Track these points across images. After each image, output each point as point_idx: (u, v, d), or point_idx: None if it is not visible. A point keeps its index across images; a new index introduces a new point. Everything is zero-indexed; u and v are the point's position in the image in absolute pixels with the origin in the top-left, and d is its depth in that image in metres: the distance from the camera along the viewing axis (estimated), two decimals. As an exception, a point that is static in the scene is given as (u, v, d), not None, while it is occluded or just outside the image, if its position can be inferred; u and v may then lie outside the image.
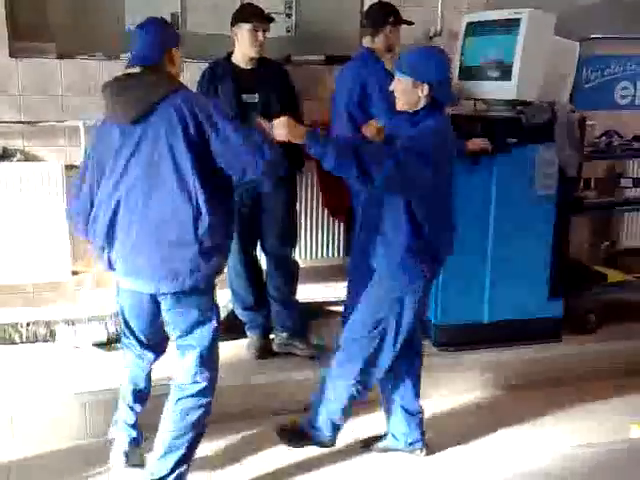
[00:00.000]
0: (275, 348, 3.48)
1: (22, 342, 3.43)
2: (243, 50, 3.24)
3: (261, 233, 3.41)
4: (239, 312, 3.51)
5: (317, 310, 3.84)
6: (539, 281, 3.49)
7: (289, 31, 3.94)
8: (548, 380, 3.50)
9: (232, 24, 3.25)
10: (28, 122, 3.41)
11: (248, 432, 3.05)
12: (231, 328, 3.50)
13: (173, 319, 2.47)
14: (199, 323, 2.47)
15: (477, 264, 3.37)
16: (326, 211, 3.91)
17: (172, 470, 2.48)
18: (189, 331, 2.48)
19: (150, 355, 2.64)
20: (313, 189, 3.83)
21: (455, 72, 3.65)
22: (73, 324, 3.48)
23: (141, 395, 2.70)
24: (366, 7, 3.75)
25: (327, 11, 3.95)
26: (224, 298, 3.62)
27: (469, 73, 3.50)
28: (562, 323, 3.60)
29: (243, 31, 3.20)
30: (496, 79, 3.32)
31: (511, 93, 3.27)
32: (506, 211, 3.34)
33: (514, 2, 3.56)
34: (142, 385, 2.68)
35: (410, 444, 2.89)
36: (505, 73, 3.28)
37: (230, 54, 3.30)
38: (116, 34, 3.63)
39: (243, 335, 3.52)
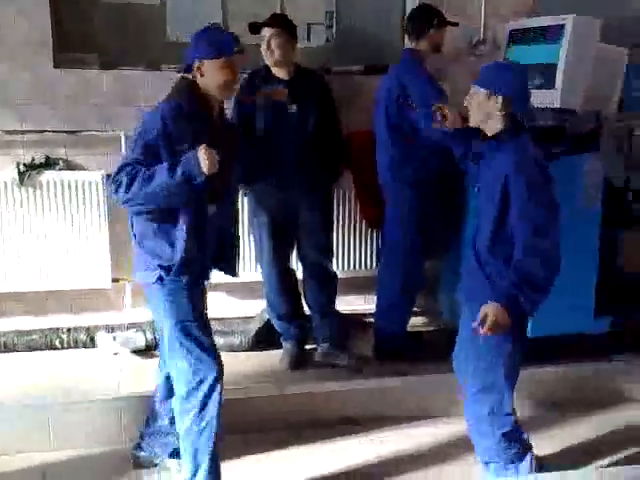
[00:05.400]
0: (317, 359, 3.45)
1: (63, 348, 3.49)
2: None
3: (298, 245, 3.40)
4: (274, 322, 3.50)
5: (355, 321, 3.80)
6: (585, 297, 3.35)
7: (329, 40, 3.92)
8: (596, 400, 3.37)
9: None
10: (71, 131, 3.47)
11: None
12: (266, 338, 3.52)
13: None
14: None
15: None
16: (360, 222, 3.82)
17: None
18: None
19: None
20: (347, 200, 3.77)
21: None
22: (113, 331, 3.52)
23: None
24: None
25: (367, 22, 3.92)
26: (258, 307, 3.63)
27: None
28: (608, 340, 3.47)
29: (263, 40, 3.17)
30: (539, 87, 3.22)
31: (555, 101, 3.18)
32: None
33: (559, 9, 3.47)
34: None
35: None
36: (549, 80, 3.19)
37: (270, 64, 3.29)
38: (158, 45, 3.68)
39: (277, 346, 3.51)
